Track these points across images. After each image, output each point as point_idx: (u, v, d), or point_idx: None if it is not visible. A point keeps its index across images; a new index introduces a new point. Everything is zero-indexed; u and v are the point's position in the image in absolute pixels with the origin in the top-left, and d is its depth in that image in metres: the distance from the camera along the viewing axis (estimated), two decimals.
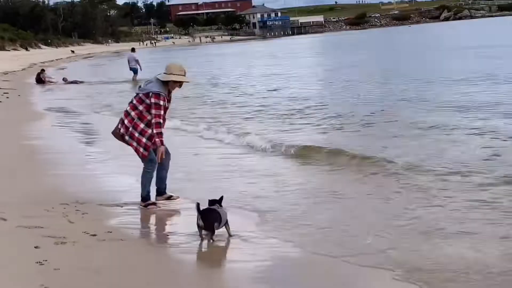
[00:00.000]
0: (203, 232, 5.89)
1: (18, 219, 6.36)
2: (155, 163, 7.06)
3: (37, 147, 11.56)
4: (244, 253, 5.71)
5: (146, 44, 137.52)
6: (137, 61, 30.37)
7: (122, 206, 7.25)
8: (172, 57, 61.89)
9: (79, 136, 13.22)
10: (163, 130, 6.85)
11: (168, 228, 6.69)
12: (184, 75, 7.02)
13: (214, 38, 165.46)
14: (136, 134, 6.95)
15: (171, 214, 7.10)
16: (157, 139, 6.81)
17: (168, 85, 6.99)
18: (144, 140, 6.95)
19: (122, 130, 7.07)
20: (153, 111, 6.83)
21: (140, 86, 7.25)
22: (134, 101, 7.04)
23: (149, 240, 6.07)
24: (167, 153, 7.09)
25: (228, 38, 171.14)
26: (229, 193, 6.95)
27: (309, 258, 5.51)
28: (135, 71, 30.41)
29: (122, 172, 9.09)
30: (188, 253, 5.75)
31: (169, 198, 7.46)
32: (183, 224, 6.47)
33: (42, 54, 72.85)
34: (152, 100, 6.84)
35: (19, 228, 6.08)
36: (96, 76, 37.49)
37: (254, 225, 6.48)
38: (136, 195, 7.57)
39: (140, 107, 6.95)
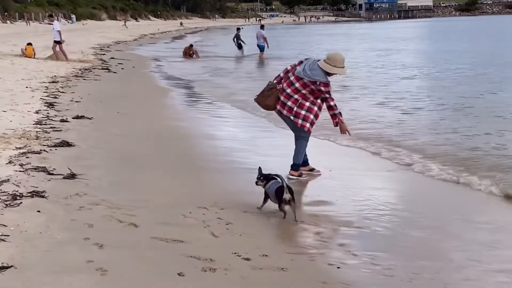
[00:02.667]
0: (287, 207, 5.71)
1: (153, 227, 5.16)
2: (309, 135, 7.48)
3: (173, 129, 10.51)
4: None
5: (252, 22, 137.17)
6: (265, 39, 29.87)
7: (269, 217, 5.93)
8: (280, 35, 60.57)
9: (205, 117, 12.09)
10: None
11: (340, 255, 5.17)
12: (344, 67, 7.24)
13: (318, 18, 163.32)
14: (303, 112, 7.30)
15: (332, 229, 5.67)
16: (340, 117, 7.25)
17: (329, 75, 7.24)
18: (311, 117, 7.33)
19: (285, 111, 7.39)
20: (327, 96, 7.20)
21: (303, 69, 7.30)
22: (297, 85, 7.30)
23: (320, 271, 4.66)
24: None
25: (332, 18, 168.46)
26: None
27: None
28: (261, 49, 30.04)
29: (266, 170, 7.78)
30: None
31: (312, 170, 7.69)
32: (356, 245, 5.07)
33: (150, 26, 73.38)
34: (323, 88, 7.19)
35: (154, 240, 4.86)
36: (213, 50, 36.72)
37: None
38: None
39: (304, 91, 7.29)
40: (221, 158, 8.40)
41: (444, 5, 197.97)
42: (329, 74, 7.17)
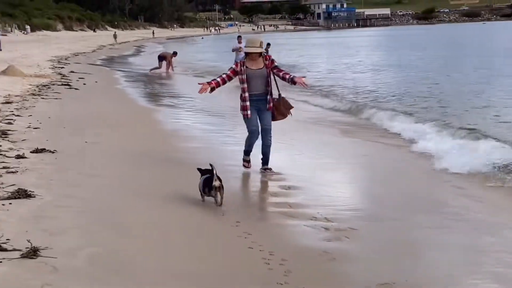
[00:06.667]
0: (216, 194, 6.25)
1: None
2: (251, 132, 8.20)
3: (165, 165, 8.22)
4: None
5: (211, 31, 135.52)
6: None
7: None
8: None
9: (207, 146, 9.94)
10: (219, 80, 8.03)
11: None
12: (259, 47, 8.01)
13: (277, 27, 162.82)
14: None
15: None
16: (208, 82, 8.04)
17: (252, 56, 8.05)
18: (240, 103, 8.24)
19: None
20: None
21: None
22: None
23: None
24: (266, 130, 8.18)
25: (291, 27, 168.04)
26: None
27: None
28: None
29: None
30: None
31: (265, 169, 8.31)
32: None
33: (108, 36, 70.87)
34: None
35: None
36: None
37: None
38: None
39: None
40: (249, 211, 6.45)
41: (401, 13, 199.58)
42: (247, 54, 8.09)
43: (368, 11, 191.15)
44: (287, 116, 8.34)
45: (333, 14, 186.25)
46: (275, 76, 8.16)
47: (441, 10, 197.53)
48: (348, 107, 15.94)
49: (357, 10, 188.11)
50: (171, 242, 5.29)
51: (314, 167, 9.10)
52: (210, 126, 12.41)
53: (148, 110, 14.38)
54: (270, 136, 8.21)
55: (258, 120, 8.18)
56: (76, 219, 5.69)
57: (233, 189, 7.54)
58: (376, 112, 14.54)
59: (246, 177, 8.21)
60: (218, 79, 8.00)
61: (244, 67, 8.01)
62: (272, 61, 8.10)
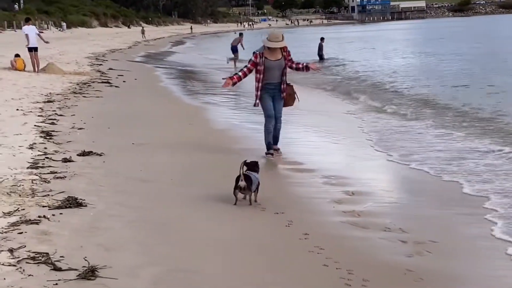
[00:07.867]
0: (240, 194, 6.08)
1: None
2: (268, 116, 8.59)
3: (219, 168, 7.66)
4: None
5: (244, 26, 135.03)
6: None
7: None
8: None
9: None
10: (240, 74, 8.40)
11: None
12: (280, 41, 8.28)
13: (311, 21, 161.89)
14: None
15: None
16: (230, 77, 8.45)
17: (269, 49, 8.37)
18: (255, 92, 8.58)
19: None
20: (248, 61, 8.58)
21: None
22: None
23: None
24: (277, 119, 8.64)
25: (326, 21, 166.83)
26: None
27: None
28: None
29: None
30: None
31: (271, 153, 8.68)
32: None
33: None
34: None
35: None
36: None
37: None
38: None
39: None
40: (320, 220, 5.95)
41: (437, 6, 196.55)
42: (269, 48, 8.33)
43: (403, 4, 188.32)
44: (295, 100, 8.81)
45: (367, 7, 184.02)
46: (289, 68, 8.57)
47: (477, 2, 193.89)
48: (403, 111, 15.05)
49: (391, 3, 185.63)
50: (236, 259, 4.81)
51: (373, 170, 8.58)
52: (257, 125, 11.88)
53: (193, 108, 13.89)
54: (280, 122, 8.73)
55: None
56: (132, 231, 5.24)
57: (293, 195, 7.07)
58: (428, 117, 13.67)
59: (304, 182, 7.66)
60: (240, 73, 8.40)
61: (263, 58, 8.37)
62: (289, 52, 8.52)
